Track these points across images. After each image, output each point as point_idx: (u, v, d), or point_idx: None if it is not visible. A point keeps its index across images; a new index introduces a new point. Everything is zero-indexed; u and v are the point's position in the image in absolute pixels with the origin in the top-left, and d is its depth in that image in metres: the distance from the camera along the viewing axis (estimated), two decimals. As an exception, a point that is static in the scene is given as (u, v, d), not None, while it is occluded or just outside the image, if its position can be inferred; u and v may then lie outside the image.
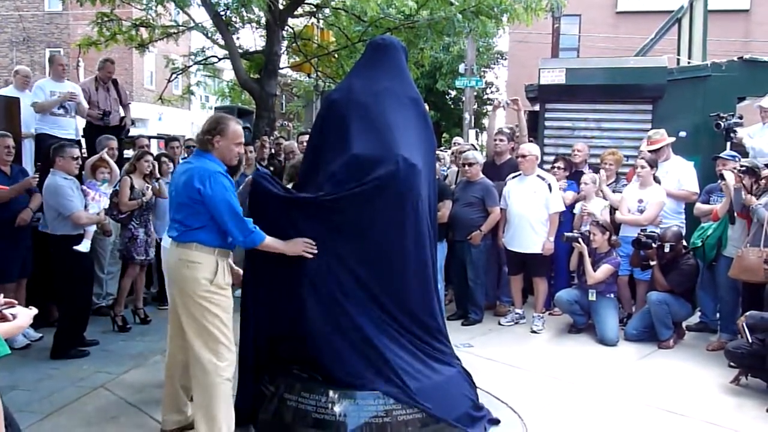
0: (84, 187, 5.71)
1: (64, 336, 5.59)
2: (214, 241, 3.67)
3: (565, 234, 6.53)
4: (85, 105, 7.54)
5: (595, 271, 6.27)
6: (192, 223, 3.64)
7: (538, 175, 6.58)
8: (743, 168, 5.71)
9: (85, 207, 5.63)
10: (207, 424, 3.61)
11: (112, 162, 6.12)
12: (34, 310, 2.61)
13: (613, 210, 6.87)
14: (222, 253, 3.71)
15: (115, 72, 8.32)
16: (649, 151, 6.90)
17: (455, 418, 3.88)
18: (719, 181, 6.19)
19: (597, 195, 6.91)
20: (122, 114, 8.33)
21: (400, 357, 3.87)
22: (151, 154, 7.10)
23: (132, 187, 6.47)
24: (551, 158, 7.74)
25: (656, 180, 6.66)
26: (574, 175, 7.37)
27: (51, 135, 7.00)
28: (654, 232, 6.24)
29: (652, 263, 6.24)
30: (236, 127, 3.81)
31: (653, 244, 6.15)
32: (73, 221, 5.52)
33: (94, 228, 5.81)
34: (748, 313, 5.02)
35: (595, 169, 7.33)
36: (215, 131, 3.73)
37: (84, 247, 5.63)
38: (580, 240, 6.33)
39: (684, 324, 6.47)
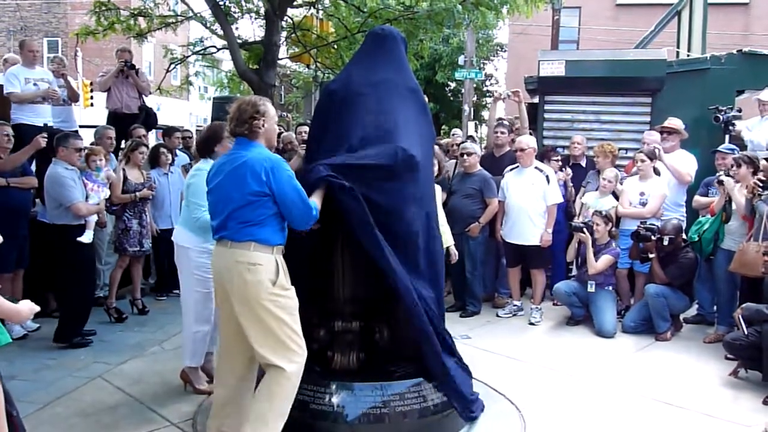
0: (83, 179, 5.71)
1: (67, 325, 5.60)
2: (272, 239, 3.37)
3: (571, 223, 6.54)
4: (60, 94, 7.43)
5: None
6: (250, 219, 3.34)
7: (536, 167, 6.57)
8: (744, 158, 5.74)
9: (86, 198, 5.64)
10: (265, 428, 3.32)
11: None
12: (36, 308, 2.64)
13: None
14: (279, 250, 3.42)
15: (131, 59, 8.34)
16: (661, 132, 6.94)
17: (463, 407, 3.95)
18: (717, 174, 6.20)
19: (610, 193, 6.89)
20: (141, 103, 8.40)
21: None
22: (146, 145, 7.08)
23: (125, 179, 6.46)
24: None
25: (656, 172, 6.66)
26: (572, 168, 7.39)
27: (29, 124, 6.81)
28: (653, 224, 6.25)
29: (651, 256, 6.25)
30: (272, 106, 3.58)
31: (652, 237, 6.16)
32: (73, 212, 5.52)
33: (95, 218, 5.82)
34: (743, 306, 5.04)
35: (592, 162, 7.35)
36: (260, 114, 3.43)
37: (87, 238, 5.65)
38: (584, 230, 6.33)
39: (681, 317, 6.48)
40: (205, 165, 4.40)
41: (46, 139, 5.88)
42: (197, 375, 4.62)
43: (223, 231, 3.41)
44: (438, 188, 5.56)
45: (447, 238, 5.53)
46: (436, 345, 3.84)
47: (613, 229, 6.47)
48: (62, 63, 7.87)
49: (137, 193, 6.47)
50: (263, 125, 3.44)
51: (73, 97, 7.82)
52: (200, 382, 4.60)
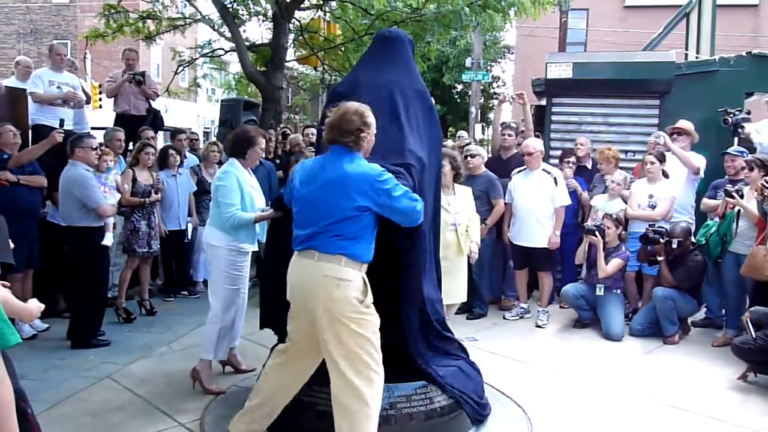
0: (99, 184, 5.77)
1: (84, 327, 5.64)
2: (363, 255, 3.27)
3: (584, 225, 6.51)
4: (83, 97, 7.55)
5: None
6: (345, 233, 3.22)
7: (543, 169, 6.57)
8: (757, 161, 5.71)
9: None
10: None
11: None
12: (42, 306, 2.66)
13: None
14: (365, 268, 3.31)
15: (137, 60, 8.43)
16: (672, 132, 6.93)
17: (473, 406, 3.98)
18: (726, 177, 6.19)
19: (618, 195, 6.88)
20: (149, 105, 8.48)
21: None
22: (154, 146, 7.12)
23: (134, 180, 6.50)
24: (558, 153, 7.73)
25: (665, 175, 6.65)
26: (578, 170, 7.38)
27: (49, 126, 6.83)
28: (662, 227, 6.23)
29: (660, 258, 6.23)
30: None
31: (661, 240, 6.14)
32: (99, 213, 5.54)
33: (113, 221, 5.86)
34: (752, 309, 5.03)
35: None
36: (367, 126, 3.32)
37: (108, 240, 5.70)
38: (596, 233, 6.31)
39: (689, 320, 6.46)
40: (231, 168, 4.59)
41: (62, 135, 5.96)
42: (208, 374, 4.67)
43: (312, 241, 3.27)
44: (468, 189, 5.57)
45: (474, 233, 5.51)
46: (424, 351, 3.90)
47: (623, 232, 6.46)
48: (74, 65, 7.94)
49: (147, 199, 6.51)
50: (367, 137, 3.34)
51: (86, 99, 7.90)
52: (210, 382, 4.63)
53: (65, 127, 6.39)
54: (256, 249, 4.76)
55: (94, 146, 5.69)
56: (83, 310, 5.70)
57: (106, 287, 6.03)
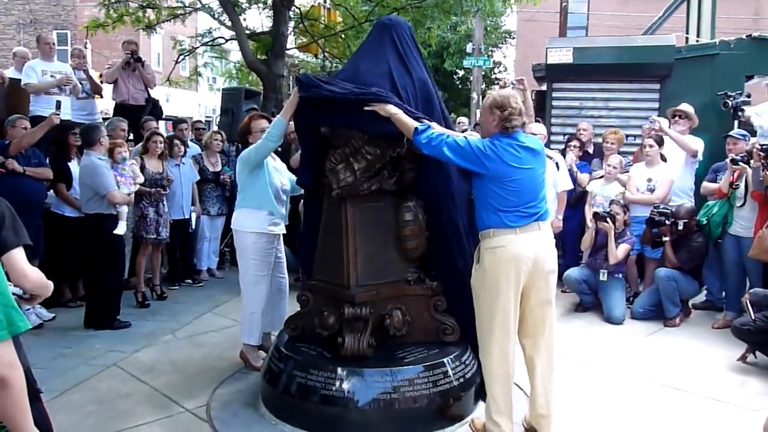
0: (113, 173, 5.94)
1: (104, 311, 5.83)
2: None
3: (596, 211, 6.50)
4: (78, 83, 7.58)
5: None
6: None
7: (546, 154, 6.58)
8: (765, 147, 5.69)
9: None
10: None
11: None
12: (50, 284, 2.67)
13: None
14: None
15: (137, 51, 8.46)
16: (673, 115, 6.94)
17: None
18: (726, 161, 6.19)
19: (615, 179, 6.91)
20: (147, 95, 8.52)
21: None
22: (162, 136, 7.17)
23: (143, 168, 6.56)
24: (559, 137, 7.75)
25: (663, 158, 6.66)
26: (581, 155, 7.39)
27: (47, 116, 6.94)
28: (667, 209, 6.24)
29: (665, 239, 6.25)
30: None
31: (666, 221, 6.16)
32: (108, 199, 5.76)
33: (126, 209, 6.04)
34: (751, 290, 5.07)
35: (601, 150, 7.34)
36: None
37: (121, 229, 5.90)
38: (608, 219, 6.30)
39: (690, 302, 6.50)
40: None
41: (59, 116, 6.06)
42: (254, 353, 4.85)
43: (537, 214, 3.53)
44: None
45: None
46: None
47: (628, 217, 6.48)
48: (82, 55, 7.96)
49: (152, 191, 6.59)
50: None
51: (96, 89, 7.95)
52: (257, 360, 4.79)
53: (68, 115, 6.41)
54: (284, 231, 4.83)
55: (106, 135, 5.96)
56: (100, 295, 5.87)
57: (122, 273, 6.25)
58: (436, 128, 3.63)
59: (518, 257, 3.46)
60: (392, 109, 3.67)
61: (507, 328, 3.57)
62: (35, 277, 2.41)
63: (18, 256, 2.34)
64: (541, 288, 3.61)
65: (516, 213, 3.47)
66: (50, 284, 2.51)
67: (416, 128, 3.56)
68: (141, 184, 6.38)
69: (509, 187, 3.46)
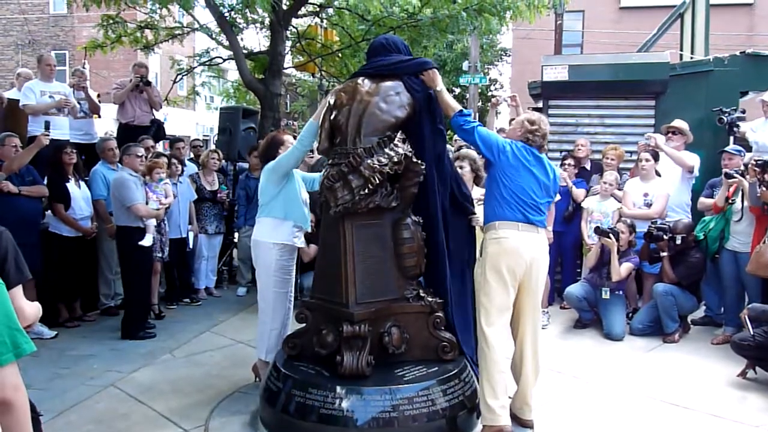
0: (146, 189, 6.22)
1: (134, 320, 6.14)
2: None
3: (598, 227, 6.49)
4: (76, 104, 7.60)
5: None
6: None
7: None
8: (760, 162, 5.72)
9: (146, 203, 6.17)
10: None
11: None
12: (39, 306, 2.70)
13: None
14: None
15: (147, 74, 8.55)
16: (668, 132, 6.97)
17: None
18: (722, 177, 6.21)
19: (610, 196, 6.93)
20: (153, 116, 8.59)
21: None
22: (165, 156, 7.20)
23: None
24: (555, 155, 7.76)
25: (657, 174, 6.69)
26: (578, 172, 7.41)
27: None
28: (665, 224, 6.26)
29: (663, 254, 6.25)
30: None
31: (665, 236, 6.17)
32: (133, 212, 6.01)
33: (154, 223, 6.26)
34: (750, 306, 5.07)
35: (599, 166, 7.37)
36: None
37: (147, 241, 6.14)
38: (611, 236, 6.29)
39: (689, 318, 6.50)
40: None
41: (48, 137, 6.11)
42: (265, 370, 4.72)
43: (537, 219, 3.92)
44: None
45: None
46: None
47: (633, 238, 6.42)
48: (83, 76, 8.00)
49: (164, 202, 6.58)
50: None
51: (94, 109, 7.97)
52: None
53: (67, 136, 6.43)
54: (303, 244, 4.80)
55: (139, 154, 6.35)
56: (132, 304, 6.24)
57: (149, 284, 6.55)
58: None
59: (519, 251, 3.85)
60: (440, 85, 4.02)
61: (504, 314, 3.92)
62: (32, 313, 2.49)
63: (17, 294, 2.40)
64: (531, 291, 3.96)
65: (519, 209, 3.87)
66: (39, 310, 2.57)
67: (461, 110, 4.02)
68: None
69: (515, 182, 3.90)
